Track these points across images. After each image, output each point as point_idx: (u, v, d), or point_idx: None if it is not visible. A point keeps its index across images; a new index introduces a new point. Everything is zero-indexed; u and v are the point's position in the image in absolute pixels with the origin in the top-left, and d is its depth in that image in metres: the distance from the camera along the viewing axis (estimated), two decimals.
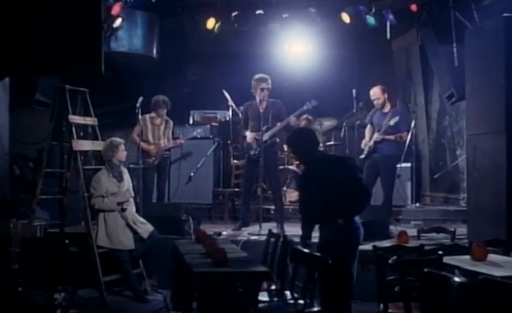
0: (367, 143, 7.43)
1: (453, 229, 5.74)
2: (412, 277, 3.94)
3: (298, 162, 7.72)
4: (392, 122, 7.13)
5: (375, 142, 7.28)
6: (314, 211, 4.65)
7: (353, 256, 4.61)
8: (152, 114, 7.81)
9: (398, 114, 7.29)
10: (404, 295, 3.94)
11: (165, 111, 7.84)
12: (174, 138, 8.12)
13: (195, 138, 8.75)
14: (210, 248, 4.63)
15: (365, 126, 7.73)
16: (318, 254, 4.37)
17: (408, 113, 8.76)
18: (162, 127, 7.87)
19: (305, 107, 7.43)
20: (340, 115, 9.31)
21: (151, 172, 7.73)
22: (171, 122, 7.98)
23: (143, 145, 7.56)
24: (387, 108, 7.38)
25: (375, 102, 7.41)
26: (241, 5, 8.43)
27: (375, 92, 7.38)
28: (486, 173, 6.06)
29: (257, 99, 7.25)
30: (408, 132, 7.78)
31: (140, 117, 7.44)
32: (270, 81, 7.25)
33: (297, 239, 6.17)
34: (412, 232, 5.91)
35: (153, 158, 7.70)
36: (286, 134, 8.80)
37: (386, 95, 7.37)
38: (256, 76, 7.30)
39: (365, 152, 7.39)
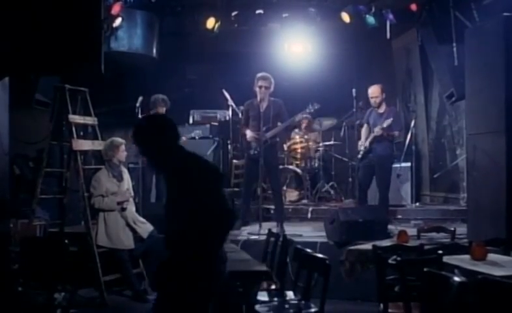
0: (362, 143, 7.48)
1: (452, 229, 5.75)
2: (411, 277, 3.93)
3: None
4: (385, 124, 7.17)
5: (370, 142, 7.33)
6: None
7: None
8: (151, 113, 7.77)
9: (392, 115, 7.32)
10: (404, 294, 3.94)
11: (164, 110, 7.78)
12: None
13: (193, 138, 8.74)
14: None
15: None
16: (319, 255, 4.34)
17: (400, 113, 8.80)
18: None
19: (307, 110, 7.43)
20: (340, 115, 9.31)
21: (149, 172, 7.70)
22: None
23: None
24: (383, 108, 7.42)
25: (372, 101, 7.43)
26: (241, 5, 8.45)
27: (374, 91, 7.40)
28: (486, 173, 6.05)
29: (258, 97, 7.23)
30: (400, 131, 7.82)
31: (140, 117, 7.43)
32: (271, 80, 7.17)
33: (297, 239, 6.22)
34: (412, 231, 5.91)
35: None
36: (287, 134, 8.86)
37: (384, 95, 7.39)
38: (259, 74, 7.26)
39: (361, 152, 7.44)
